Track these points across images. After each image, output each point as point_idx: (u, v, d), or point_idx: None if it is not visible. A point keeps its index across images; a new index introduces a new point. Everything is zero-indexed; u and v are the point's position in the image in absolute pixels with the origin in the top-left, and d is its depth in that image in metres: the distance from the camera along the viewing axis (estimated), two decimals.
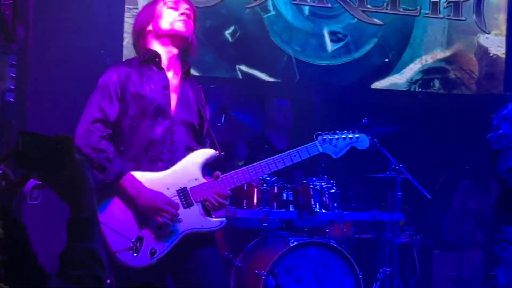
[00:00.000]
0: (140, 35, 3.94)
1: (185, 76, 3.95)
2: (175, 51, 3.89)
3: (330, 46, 7.17)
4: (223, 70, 6.92)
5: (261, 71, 7.00)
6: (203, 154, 3.81)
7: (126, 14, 6.66)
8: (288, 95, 6.89)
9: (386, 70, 7.32)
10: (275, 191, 5.55)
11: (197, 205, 3.72)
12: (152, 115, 3.74)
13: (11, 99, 3.18)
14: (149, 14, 3.92)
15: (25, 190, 2.51)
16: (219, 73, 6.90)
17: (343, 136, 4.13)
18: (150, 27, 3.89)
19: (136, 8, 6.70)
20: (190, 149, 3.82)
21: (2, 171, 1.98)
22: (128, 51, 6.67)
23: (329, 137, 4.09)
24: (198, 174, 3.76)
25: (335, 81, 7.17)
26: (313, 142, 4.04)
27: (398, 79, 7.33)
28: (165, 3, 3.92)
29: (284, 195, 5.57)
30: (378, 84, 7.31)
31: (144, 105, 3.73)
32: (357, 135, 4.16)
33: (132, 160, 3.72)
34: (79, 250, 1.90)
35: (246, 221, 5.50)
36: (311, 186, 5.54)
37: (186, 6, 3.93)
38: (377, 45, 7.25)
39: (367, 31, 7.24)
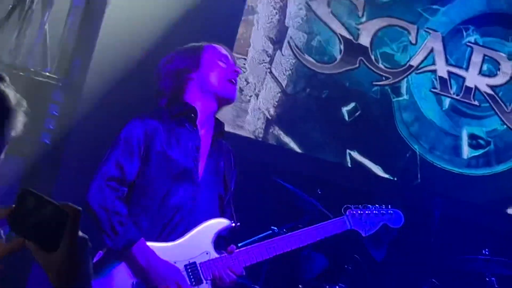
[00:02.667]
0: (177, 79, 3.87)
1: (217, 136, 3.93)
2: (214, 108, 3.90)
3: (467, 151, 6.92)
4: (331, 153, 6.78)
5: (376, 163, 6.81)
6: (216, 225, 3.79)
7: None
8: (402, 199, 6.52)
9: None
10: None
11: (206, 283, 3.71)
12: (176, 178, 3.73)
13: (47, 141, 3.09)
14: (195, 59, 3.88)
15: None
16: (325, 155, 6.76)
17: (375, 212, 4.11)
18: (193, 75, 3.85)
19: (245, 59, 6.59)
20: None
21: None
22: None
23: (359, 211, 4.07)
24: (210, 247, 3.75)
25: (463, 195, 6.89)
26: (341, 217, 4.03)
27: None
28: (216, 56, 3.91)
29: None
30: None
31: (169, 167, 3.72)
32: (390, 211, 4.15)
33: (148, 228, 3.70)
34: None
35: None
36: None
37: (235, 68, 3.94)
38: None
39: None
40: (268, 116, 6.63)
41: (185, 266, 3.67)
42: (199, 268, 3.69)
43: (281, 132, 6.62)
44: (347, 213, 4.03)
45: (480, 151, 6.91)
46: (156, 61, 3.96)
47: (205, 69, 3.85)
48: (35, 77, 2.55)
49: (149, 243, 3.63)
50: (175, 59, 3.91)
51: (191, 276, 3.67)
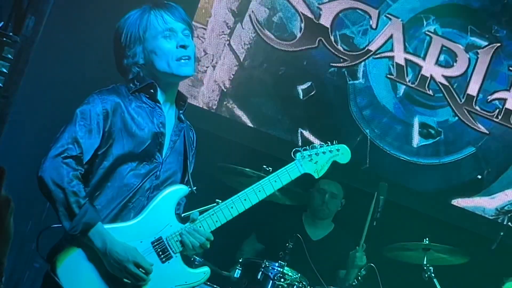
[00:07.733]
0: (130, 68, 3.64)
1: (180, 111, 3.76)
2: (174, 83, 3.70)
3: (416, 140, 6.99)
4: (282, 130, 6.81)
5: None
6: (174, 194, 3.65)
7: None
8: (349, 181, 6.57)
9: (474, 188, 7.04)
10: None
11: (176, 256, 3.61)
12: (139, 157, 3.58)
13: None
14: (140, 45, 3.60)
15: None
16: (276, 131, 6.79)
17: (323, 151, 3.94)
18: (142, 61, 3.63)
19: (205, 29, 6.55)
20: None
21: None
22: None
23: (308, 153, 3.89)
24: (172, 218, 3.62)
25: (409, 183, 6.97)
26: (293, 162, 3.82)
27: (486, 203, 7.02)
28: (158, 31, 3.60)
29: None
30: (460, 202, 7.02)
31: (133, 145, 3.56)
32: (337, 147, 3.99)
33: (104, 208, 3.52)
34: None
35: None
36: None
37: (182, 26, 3.62)
38: (473, 156, 7.01)
39: (465, 136, 7.01)
40: (223, 89, 6.63)
41: (152, 243, 3.56)
42: (166, 242, 3.57)
43: (235, 106, 6.62)
44: (296, 156, 3.83)
45: (430, 141, 6.98)
46: (115, 21, 3.81)
47: (151, 56, 3.60)
48: None
49: (110, 225, 3.50)
50: (124, 46, 3.61)
51: (160, 253, 3.56)
